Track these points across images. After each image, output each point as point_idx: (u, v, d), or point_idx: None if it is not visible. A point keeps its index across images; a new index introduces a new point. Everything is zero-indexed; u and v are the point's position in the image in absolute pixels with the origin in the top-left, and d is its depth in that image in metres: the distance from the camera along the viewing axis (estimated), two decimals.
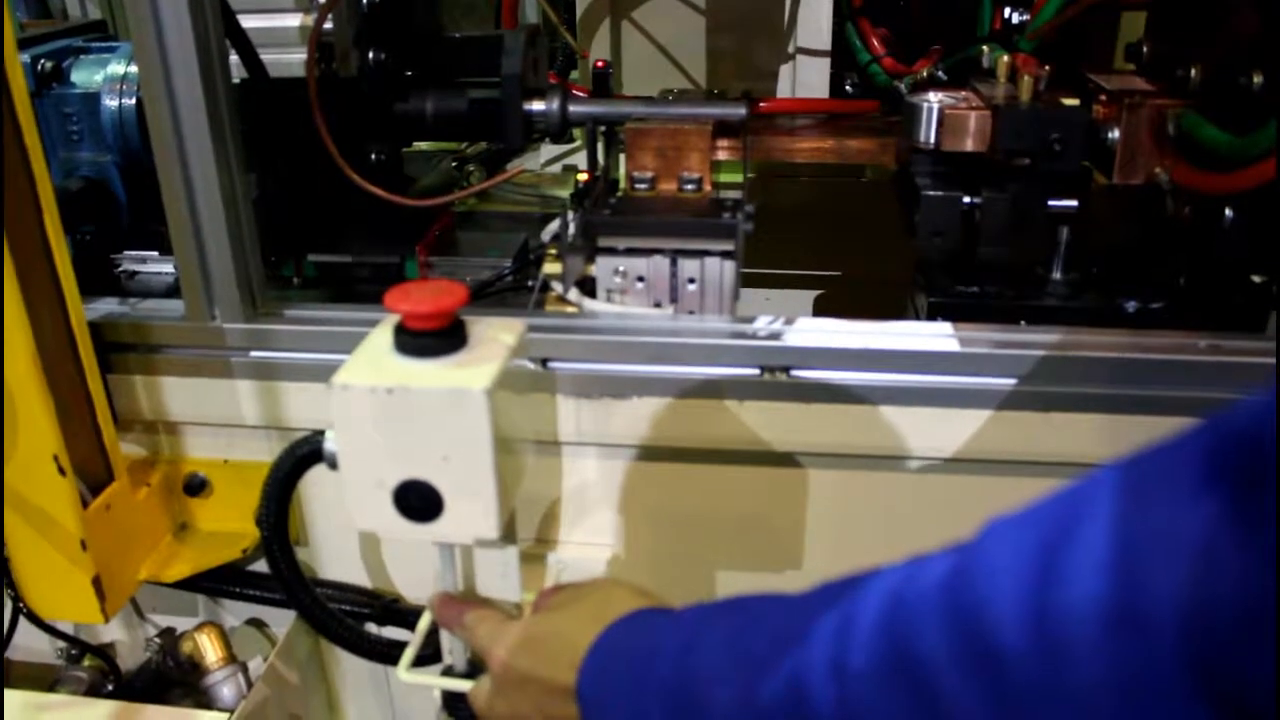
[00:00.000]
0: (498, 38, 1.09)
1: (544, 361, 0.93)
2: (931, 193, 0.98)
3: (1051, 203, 0.98)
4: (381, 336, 0.74)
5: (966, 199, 0.97)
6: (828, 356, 0.90)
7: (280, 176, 1.10)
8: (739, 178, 1.08)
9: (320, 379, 0.69)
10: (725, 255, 0.96)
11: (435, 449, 0.66)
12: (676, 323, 0.95)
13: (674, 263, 0.97)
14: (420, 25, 1.11)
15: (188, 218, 0.93)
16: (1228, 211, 0.95)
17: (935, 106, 0.97)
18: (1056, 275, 1.04)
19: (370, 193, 1.06)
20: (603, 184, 1.06)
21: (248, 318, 0.97)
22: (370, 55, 1.06)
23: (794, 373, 0.90)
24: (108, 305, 1.04)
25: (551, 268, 1.02)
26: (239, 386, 0.98)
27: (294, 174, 1.09)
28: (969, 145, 0.98)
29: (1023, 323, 0.98)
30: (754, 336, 0.92)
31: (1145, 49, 1.06)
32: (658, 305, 0.99)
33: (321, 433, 0.77)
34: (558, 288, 1.00)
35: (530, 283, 1.07)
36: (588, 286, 1.00)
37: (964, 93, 1.02)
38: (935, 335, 0.91)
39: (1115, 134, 0.98)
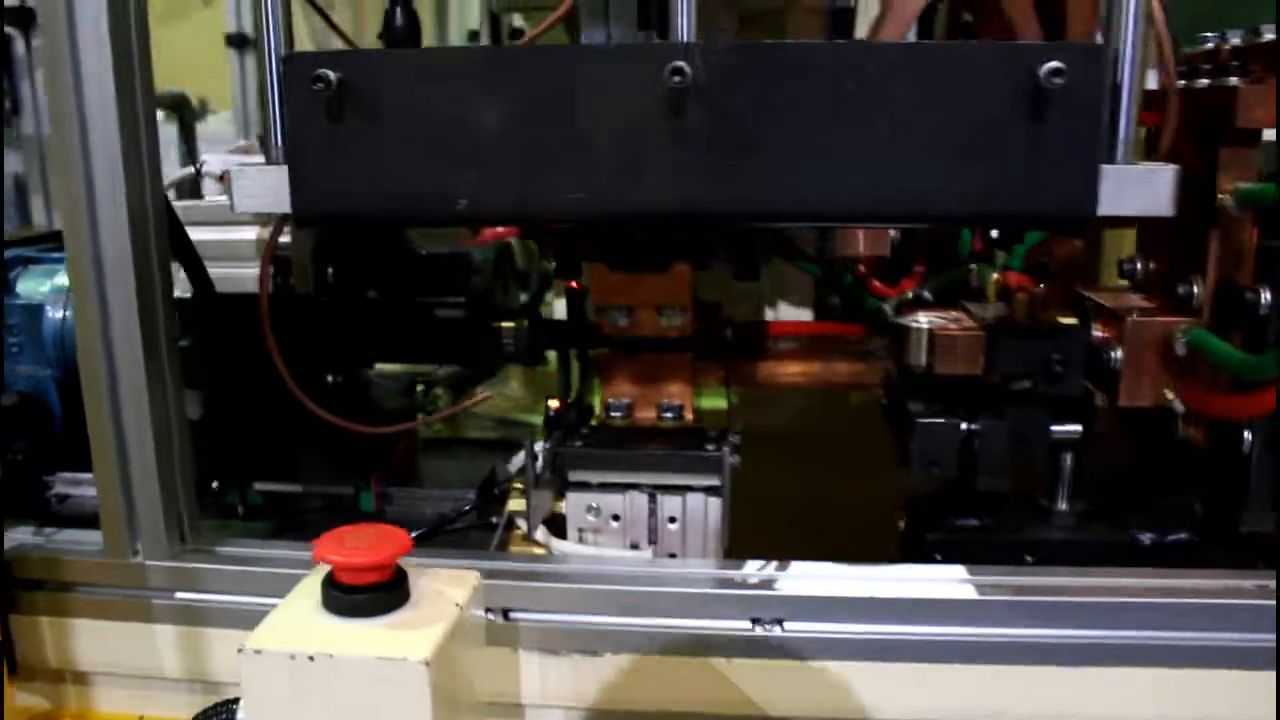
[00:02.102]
0: (466, 254, 1.02)
1: (505, 612, 0.81)
2: (927, 420, 0.89)
3: (1054, 428, 0.90)
4: (310, 588, 0.63)
5: (964, 425, 0.89)
6: (828, 607, 0.79)
7: (228, 397, 1.00)
8: (722, 403, 0.99)
9: (254, 627, 0.58)
10: (710, 491, 0.87)
11: None
12: (656, 568, 0.85)
13: (653, 499, 0.88)
14: (384, 240, 1.04)
15: (112, 437, 0.83)
16: (1246, 434, 0.86)
17: (926, 328, 0.90)
18: (1062, 505, 0.94)
19: (321, 416, 0.96)
20: (575, 412, 0.96)
21: (174, 554, 0.86)
22: (329, 270, 0.98)
23: (789, 625, 0.79)
24: (23, 535, 0.92)
25: (517, 504, 0.91)
26: (159, 632, 0.86)
27: (242, 395, 0.99)
28: (962, 368, 0.90)
29: (1029, 559, 0.89)
30: (743, 584, 0.81)
31: (1140, 265, 1.00)
32: (635, 547, 0.89)
33: (236, 701, 0.65)
34: (524, 526, 0.89)
35: (494, 519, 0.96)
36: (558, 525, 0.90)
37: (954, 313, 0.95)
38: (949, 580, 0.80)
39: (1118, 354, 0.90)
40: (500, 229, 1.15)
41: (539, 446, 0.86)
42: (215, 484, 1.05)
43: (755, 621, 0.79)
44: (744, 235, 0.94)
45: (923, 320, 0.91)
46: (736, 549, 0.87)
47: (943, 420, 0.89)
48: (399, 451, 1.12)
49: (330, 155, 0.74)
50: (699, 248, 0.92)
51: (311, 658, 0.57)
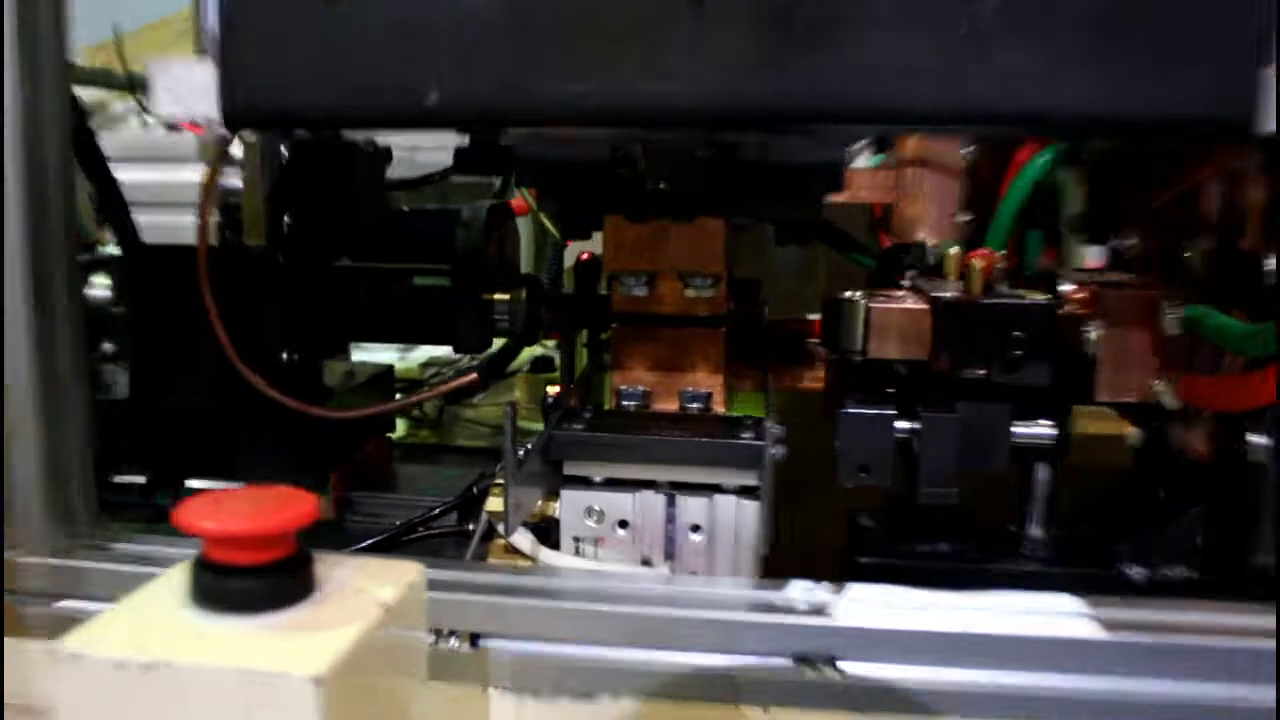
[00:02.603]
0: (454, 212, 0.85)
1: (473, 638, 0.62)
2: (853, 411, 0.71)
3: (1019, 430, 0.72)
4: (180, 575, 0.44)
5: (904, 424, 0.72)
6: (897, 643, 0.60)
7: (158, 372, 0.82)
8: (759, 410, 0.81)
9: None
10: (744, 492, 0.69)
11: None
12: (674, 587, 0.66)
13: (672, 502, 0.70)
14: (358, 193, 0.87)
15: None
16: (1255, 438, 0.68)
17: (861, 304, 0.73)
18: (1033, 530, 0.77)
19: (274, 399, 0.78)
20: (576, 393, 0.78)
21: (57, 550, 0.67)
22: (286, 221, 0.80)
23: (846, 666, 0.60)
24: None
25: (498, 504, 0.73)
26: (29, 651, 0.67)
27: (176, 370, 0.82)
28: (899, 351, 0.74)
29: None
30: (786, 610, 0.62)
31: (1125, 241, 0.85)
32: (647, 562, 0.71)
33: None
34: (514, 539, 0.71)
35: (471, 526, 0.77)
36: (550, 533, 0.72)
37: (906, 293, 0.78)
38: (1063, 613, 0.60)
39: (1095, 334, 0.73)
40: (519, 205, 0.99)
41: (512, 423, 0.67)
42: (146, 481, 0.87)
43: (801, 660, 0.60)
44: (788, 189, 0.76)
45: (858, 295, 0.75)
46: (776, 567, 0.68)
47: (872, 412, 0.71)
48: (368, 452, 0.94)
49: (269, 37, 0.58)
50: (734, 198, 0.74)
51: (148, 667, 0.38)
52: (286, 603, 0.41)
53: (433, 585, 0.47)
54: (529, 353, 1.20)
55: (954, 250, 0.79)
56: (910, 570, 0.73)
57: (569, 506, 0.71)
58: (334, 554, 0.45)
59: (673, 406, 0.78)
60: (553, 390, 0.79)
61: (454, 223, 0.84)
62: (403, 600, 0.44)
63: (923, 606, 0.62)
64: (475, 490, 0.84)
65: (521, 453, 0.65)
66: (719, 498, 0.69)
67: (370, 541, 0.80)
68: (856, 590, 0.63)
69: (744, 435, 0.70)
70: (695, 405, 0.77)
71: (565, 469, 0.70)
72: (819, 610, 0.61)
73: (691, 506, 0.70)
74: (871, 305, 0.74)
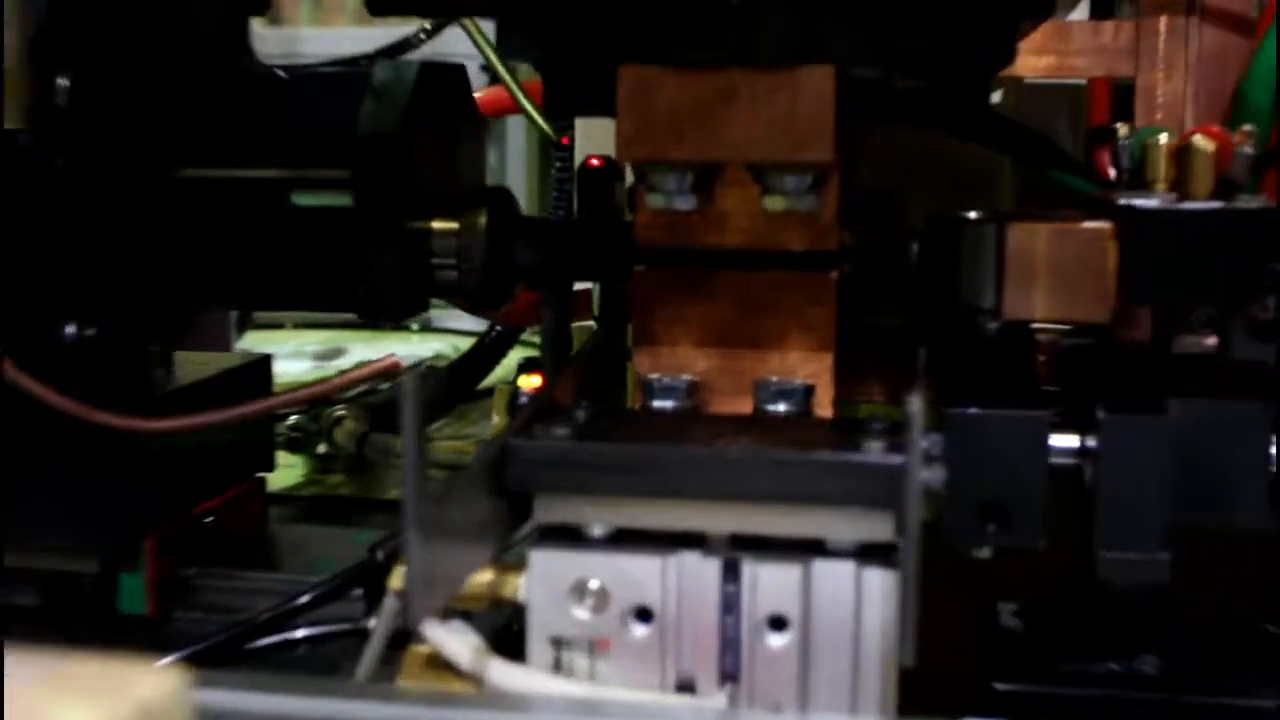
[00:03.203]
0: (359, 76, 0.66)
1: None
2: (971, 412, 0.54)
3: None
4: None
5: (1067, 438, 0.56)
6: None
7: None
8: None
9: None
10: (871, 555, 0.49)
11: None
12: None
13: (735, 574, 0.50)
14: (198, 45, 0.69)
15: None
16: None
17: (991, 227, 0.60)
18: None
19: (47, 401, 0.61)
20: (570, 383, 0.60)
21: None
22: (61, 86, 0.58)
23: None
24: None
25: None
26: None
27: None
28: (1058, 307, 0.59)
29: None
30: None
31: None
32: (686, 686, 0.50)
33: None
34: (432, 640, 0.50)
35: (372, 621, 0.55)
36: (512, 634, 0.53)
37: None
38: None
39: None
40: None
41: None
42: None
43: None
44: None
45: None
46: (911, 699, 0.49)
47: (1009, 415, 0.54)
48: (225, 505, 0.76)
49: None
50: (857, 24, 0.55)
51: None
52: None
53: None
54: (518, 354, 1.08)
55: (1162, 136, 0.63)
56: (1085, 704, 0.59)
57: (543, 582, 0.49)
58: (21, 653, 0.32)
59: (743, 407, 0.60)
60: (530, 383, 0.65)
61: (360, 93, 0.64)
62: None
63: None
64: (379, 556, 0.61)
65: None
66: (821, 565, 0.48)
67: (190, 650, 0.59)
68: None
69: (869, 448, 0.48)
70: (783, 405, 0.58)
71: (537, 510, 0.49)
72: None
73: (770, 581, 0.49)
74: (1010, 227, 0.57)
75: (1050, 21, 0.75)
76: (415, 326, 1.47)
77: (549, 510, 0.49)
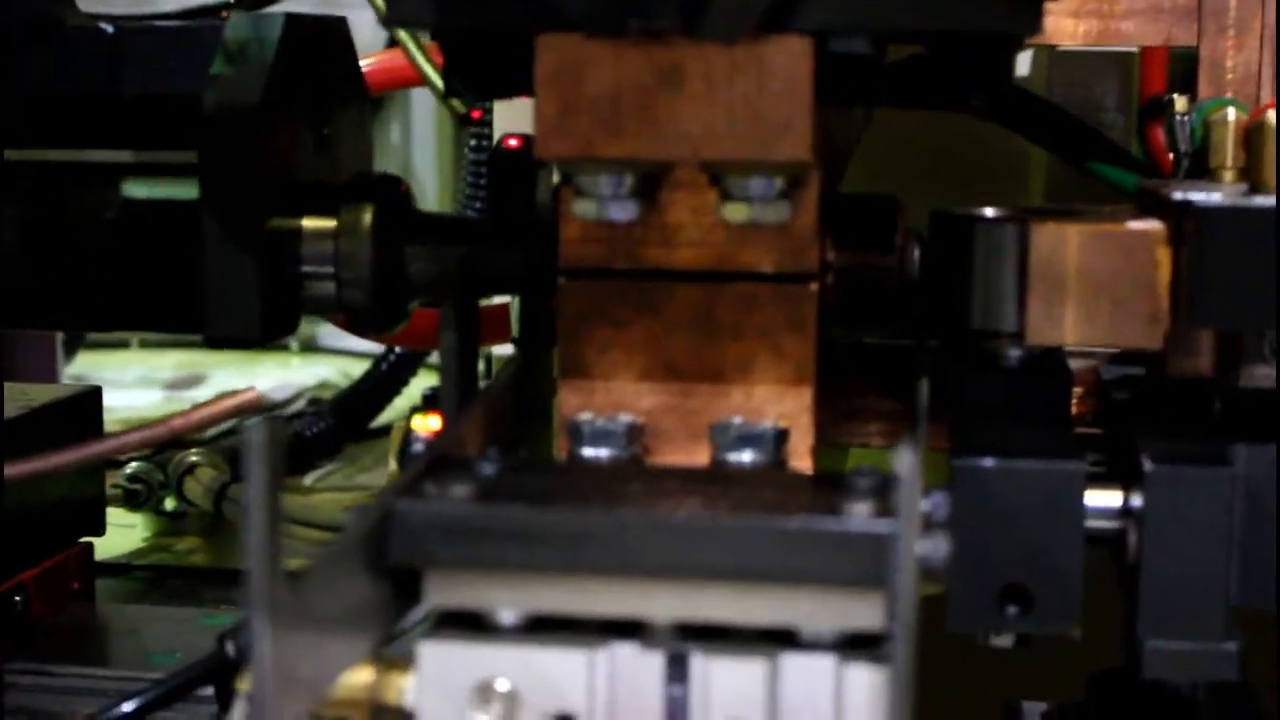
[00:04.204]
0: (208, 30, 0.69)
1: None
2: (986, 464, 0.57)
3: None
4: None
5: (1106, 496, 0.59)
6: None
7: None
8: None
9: None
10: (855, 648, 0.51)
11: None
12: None
13: (681, 671, 0.52)
14: None
15: None
16: None
17: (1011, 228, 0.63)
18: None
19: None
20: (478, 426, 0.62)
21: None
22: None
23: None
24: None
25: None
26: None
27: None
28: (1096, 331, 0.62)
29: None
30: None
31: None
32: None
33: None
34: None
35: None
36: None
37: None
38: None
39: None
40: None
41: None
42: None
43: None
44: None
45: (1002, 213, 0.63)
46: None
47: (1034, 467, 0.57)
48: (38, 578, 0.78)
49: None
50: None
51: None
52: None
53: None
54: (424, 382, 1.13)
55: (1230, 111, 0.67)
56: None
57: (437, 683, 0.51)
58: None
59: (697, 457, 0.61)
60: (427, 426, 0.74)
61: (209, 53, 0.66)
62: None
63: None
64: (229, 649, 0.62)
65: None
66: (791, 660, 0.49)
67: None
68: None
69: (852, 512, 0.50)
70: (748, 454, 0.59)
71: (429, 591, 0.51)
72: None
73: (727, 681, 0.50)
74: (1035, 228, 0.59)
75: None
76: (295, 347, 1.49)
77: (444, 591, 0.51)
